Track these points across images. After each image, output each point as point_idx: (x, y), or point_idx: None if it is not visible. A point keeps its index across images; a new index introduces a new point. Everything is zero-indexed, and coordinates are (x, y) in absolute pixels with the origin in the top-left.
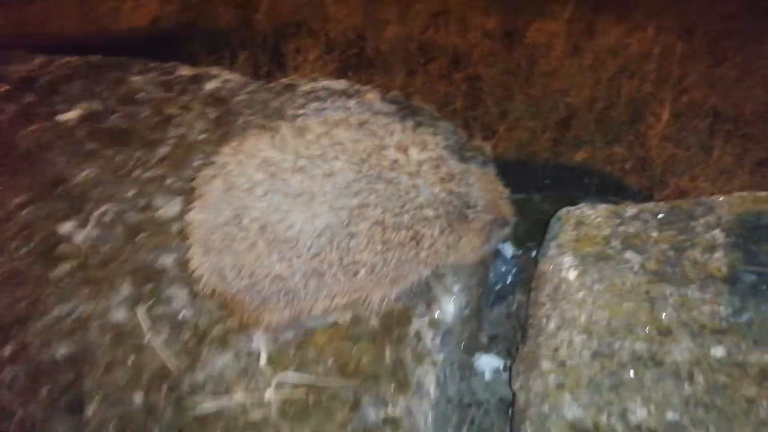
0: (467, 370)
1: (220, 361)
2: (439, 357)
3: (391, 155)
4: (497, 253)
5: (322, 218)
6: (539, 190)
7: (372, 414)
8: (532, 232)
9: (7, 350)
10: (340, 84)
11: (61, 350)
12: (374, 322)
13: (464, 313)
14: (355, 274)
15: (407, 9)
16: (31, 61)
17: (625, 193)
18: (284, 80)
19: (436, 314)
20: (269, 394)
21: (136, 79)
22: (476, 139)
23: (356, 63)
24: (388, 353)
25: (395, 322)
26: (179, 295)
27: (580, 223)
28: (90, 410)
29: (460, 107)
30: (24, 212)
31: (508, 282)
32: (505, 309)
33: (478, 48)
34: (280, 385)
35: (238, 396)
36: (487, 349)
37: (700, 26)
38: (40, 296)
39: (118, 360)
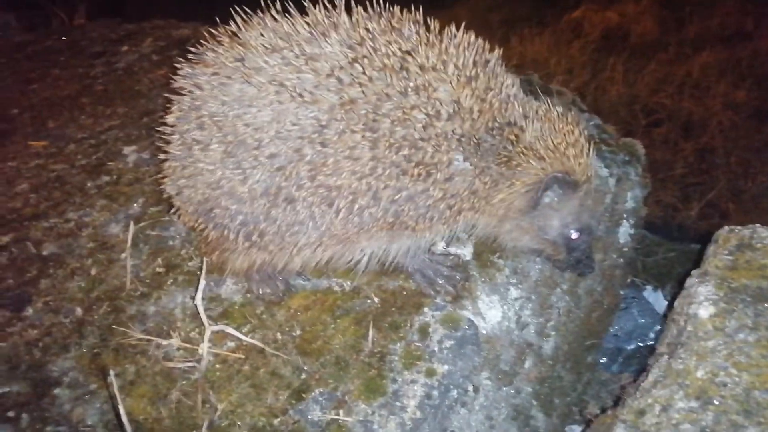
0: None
1: (179, 299)
2: (443, 369)
3: (406, 44)
4: (638, 301)
5: (289, 115)
6: None
7: (315, 412)
8: None
9: (5, 239)
10: None
11: (48, 249)
12: (375, 300)
13: (523, 334)
14: (331, 203)
15: (639, 71)
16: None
17: None
18: None
19: (464, 312)
20: (204, 347)
21: None
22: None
23: None
24: (370, 342)
25: (399, 306)
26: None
27: (744, 247)
28: (28, 311)
29: (678, 175)
30: (107, 134)
31: (649, 342)
32: (633, 377)
33: (717, 118)
34: (217, 341)
35: (173, 340)
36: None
37: None
38: (66, 200)
39: (83, 268)
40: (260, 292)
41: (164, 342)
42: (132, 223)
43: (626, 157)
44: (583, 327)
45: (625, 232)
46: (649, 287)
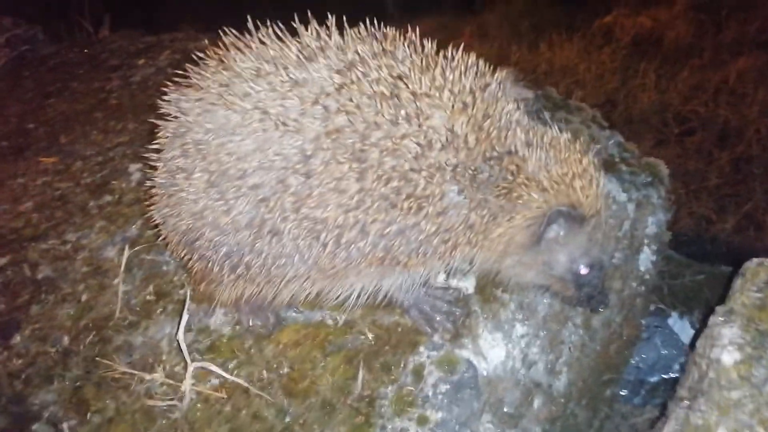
0: None
1: (167, 329)
2: (437, 416)
3: (398, 68)
4: (662, 330)
5: (272, 144)
6: None
7: None
8: None
9: (2, 261)
10: None
11: (43, 272)
12: (368, 336)
13: (530, 373)
14: (317, 237)
15: (672, 78)
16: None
17: None
18: None
19: (463, 352)
20: (186, 385)
21: None
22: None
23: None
24: (359, 384)
25: (393, 344)
26: None
27: None
28: (16, 339)
29: (713, 185)
30: (115, 150)
31: (674, 375)
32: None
33: (754, 126)
34: (201, 377)
35: (157, 375)
36: None
37: None
38: (66, 220)
39: (75, 294)
40: (250, 324)
41: (147, 377)
42: (127, 247)
43: (648, 179)
44: (600, 361)
45: (646, 259)
46: (674, 314)
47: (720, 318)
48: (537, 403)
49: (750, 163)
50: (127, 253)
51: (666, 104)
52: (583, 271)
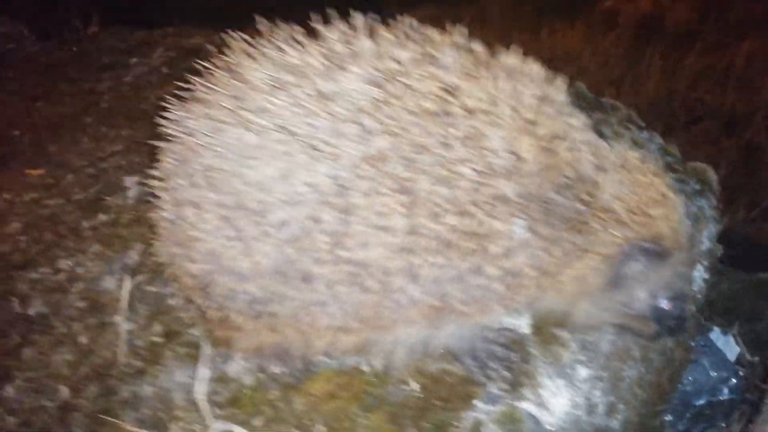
0: None
1: (178, 378)
2: None
3: (447, 78)
4: (708, 349)
5: (300, 174)
6: None
7: None
8: None
9: None
10: None
11: (35, 307)
12: (413, 387)
13: (591, 419)
14: (358, 281)
15: (676, 63)
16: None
17: None
18: None
19: (524, 405)
20: None
21: None
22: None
23: None
24: None
25: (443, 397)
26: None
27: None
28: (8, 391)
29: (723, 174)
30: (108, 161)
31: (722, 398)
32: None
33: (763, 112)
34: None
35: None
36: None
37: None
38: (58, 244)
39: (71, 335)
40: (275, 372)
41: None
42: (129, 278)
43: (697, 186)
44: (653, 392)
45: (698, 277)
46: (716, 329)
47: None
48: None
49: (760, 151)
50: (128, 285)
51: (672, 92)
52: (666, 305)
